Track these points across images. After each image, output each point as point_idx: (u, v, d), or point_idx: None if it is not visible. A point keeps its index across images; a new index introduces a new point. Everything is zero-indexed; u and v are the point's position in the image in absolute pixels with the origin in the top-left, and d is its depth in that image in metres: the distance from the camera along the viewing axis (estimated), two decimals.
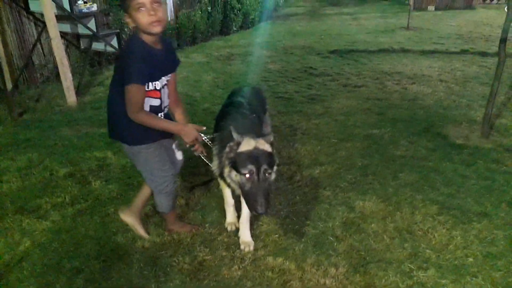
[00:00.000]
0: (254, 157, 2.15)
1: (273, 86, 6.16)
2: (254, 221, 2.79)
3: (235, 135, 2.21)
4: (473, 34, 10.04)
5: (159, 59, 2.16)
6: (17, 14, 5.78)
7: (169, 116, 2.40)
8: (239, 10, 10.91)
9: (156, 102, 2.23)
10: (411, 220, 2.84)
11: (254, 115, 2.71)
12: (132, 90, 2.05)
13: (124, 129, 2.27)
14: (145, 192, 2.64)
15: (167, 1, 8.78)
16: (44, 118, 4.81)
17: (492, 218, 2.85)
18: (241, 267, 2.43)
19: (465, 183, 3.31)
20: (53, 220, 2.88)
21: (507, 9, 3.99)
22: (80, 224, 2.83)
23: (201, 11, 9.59)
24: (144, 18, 2.01)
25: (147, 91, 2.14)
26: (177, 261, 2.47)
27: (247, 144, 2.19)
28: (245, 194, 2.17)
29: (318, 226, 2.81)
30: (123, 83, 2.06)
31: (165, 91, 2.29)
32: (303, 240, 2.66)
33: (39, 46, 6.07)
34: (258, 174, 2.13)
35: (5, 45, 5.53)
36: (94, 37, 6.21)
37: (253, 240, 2.63)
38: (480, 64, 7.26)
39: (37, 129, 4.50)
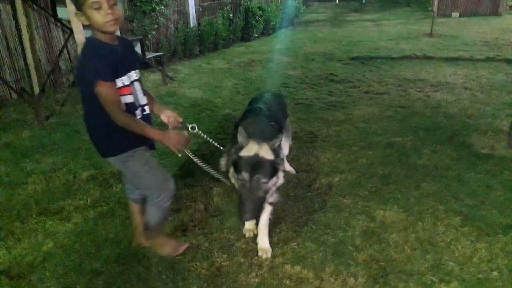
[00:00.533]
0: (250, 164, 2.16)
1: (293, 92, 6.15)
2: (272, 228, 2.78)
3: (239, 138, 2.23)
4: (499, 41, 9.79)
5: (119, 55, 2.04)
6: (45, 21, 5.97)
7: (150, 118, 2.26)
8: (260, 17, 10.96)
9: (129, 99, 2.09)
10: (433, 231, 2.77)
11: (271, 121, 2.71)
12: (103, 90, 1.93)
13: (105, 140, 2.16)
14: (135, 212, 2.61)
15: (190, 9, 8.91)
16: (69, 122, 4.93)
17: None
18: (258, 274, 2.42)
19: (490, 194, 3.22)
20: (75, 222, 2.95)
21: None
22: (101, 227, 2.88)
23: (223, 18, 9.69)
24: (100, 17, 1.91)
25: (118, 88, 2.01)
26: (195, 266, 2.48)
27: (249, 150, 2.21)
28: (238, 198, 2.23)
29: (338, 235, 2.77)
30: (90, 91, 1.94)
31: (138, 87, 2.16)
32: (321, 248, 2.63)
33: (65, 51, 6.24)
34: (250, 182, 2.14)
35: (34, 51, 5.71)
36: None
37: (271, 247, 2.62)
38: (507, 71, 7.06)
39: (62, 132, 4.62)
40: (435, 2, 13.28)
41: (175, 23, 8.55)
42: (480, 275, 2.37)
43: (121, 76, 2.04)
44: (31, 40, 5.66)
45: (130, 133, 2.04)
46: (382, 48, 9.41)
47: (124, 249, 2.65)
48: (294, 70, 7.57)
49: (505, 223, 2.84)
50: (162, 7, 7.80)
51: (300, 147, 4.17)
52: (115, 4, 1.94)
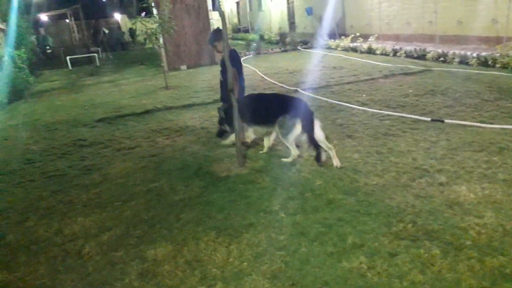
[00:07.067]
0: None
1: (42, 167, 5.80)
2: None
3: None
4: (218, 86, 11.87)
5: None
6: None
7: None
8: None
9: None
10: (196, 250, 3.27)
11: None
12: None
13: None
14: None
15: None
16: None
17: (256, 227, 3.56)
18: None
19: (232, 206, 4.01)
20: None
21: None
22: None
23: None
24: None
25: None
26: None
27: None
28: None
29: (116, 286, 2.90)
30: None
31: None
32: None
33: None
34: None
35: None
36: None
37: None
38: None
39: None
40: (164, 59, 14.91)
41: None
42: (235, 270, 2.98)
43: None
44: None
45: None
46: (126, 106, 9.91)
47: None
48: (37, 143, 7.12)
49: (245, 223, 3.62)
50: None
51: (61, 219, 4.05)
52: None
